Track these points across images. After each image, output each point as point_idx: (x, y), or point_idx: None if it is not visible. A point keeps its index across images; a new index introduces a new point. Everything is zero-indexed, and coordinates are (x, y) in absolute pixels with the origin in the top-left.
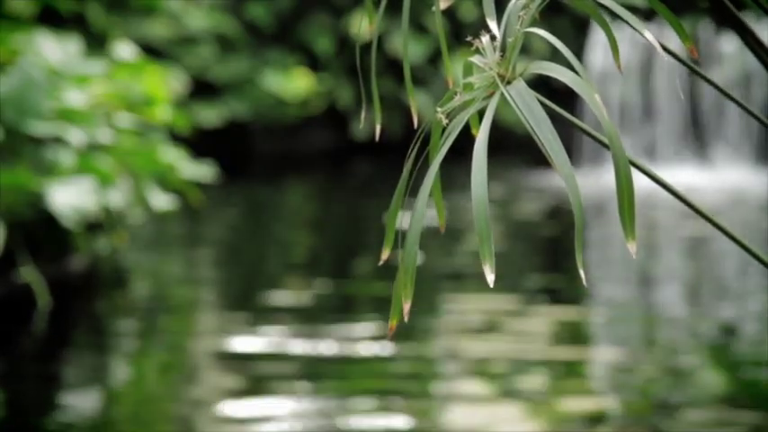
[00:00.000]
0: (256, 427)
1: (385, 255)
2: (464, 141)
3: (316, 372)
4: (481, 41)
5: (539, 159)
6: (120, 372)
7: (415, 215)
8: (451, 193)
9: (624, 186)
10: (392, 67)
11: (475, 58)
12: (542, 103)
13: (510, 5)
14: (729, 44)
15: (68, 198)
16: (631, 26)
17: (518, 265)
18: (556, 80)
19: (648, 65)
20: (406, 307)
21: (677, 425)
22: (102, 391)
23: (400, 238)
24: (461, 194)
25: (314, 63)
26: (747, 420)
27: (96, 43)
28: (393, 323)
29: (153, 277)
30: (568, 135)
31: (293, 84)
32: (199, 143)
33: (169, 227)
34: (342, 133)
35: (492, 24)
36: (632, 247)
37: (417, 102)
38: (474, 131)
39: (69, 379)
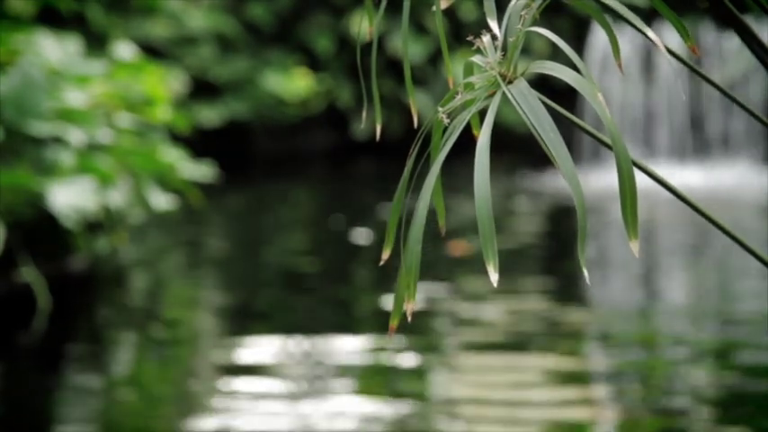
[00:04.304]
0: (255, 422)
1: (385, 255)
2: (464, 141)
3: (314, 367)
4: (482, 41)
5: (539, 159)
6: (120, 371)
7: (417, 215)
8: (451, 194)
9: (627, 186)
10: (392, 67)
11: (476, 58)
12: (543, 103)
13: (511, 5)
14: (729, 44)
15: (68, 198)
16: (633, 26)
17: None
18: (556, 80)
19: (649, 65)
20: (410, 307)
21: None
22: (102, 390)
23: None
24: (460, 195)
25: (314, 63)
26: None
27: (96, 43)
28: (394, 323)
29: (152, 277)
30: (568, 134)
31: (293, 84)
32: (199, 143)
33: (169, 227)
34: (342, 133)
35: (493, 24)
36: (635, 246)
37: (417, 102)
38: (475, 132)
39: (69, 378)
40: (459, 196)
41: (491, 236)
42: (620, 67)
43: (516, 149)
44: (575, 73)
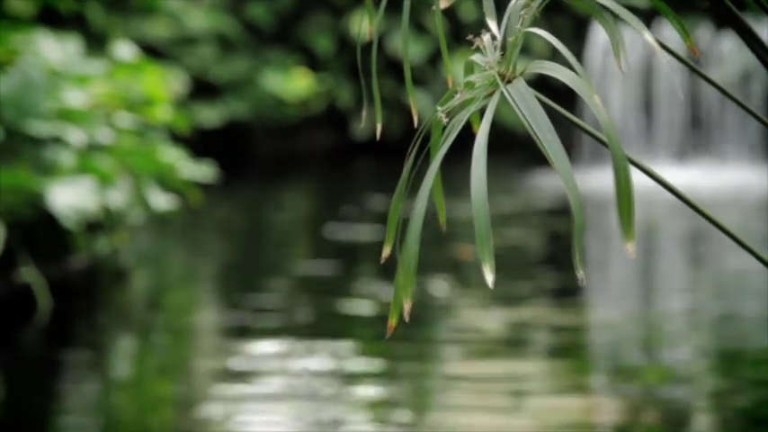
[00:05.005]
0: (254, 425)
1: (386, 252)
2: (464, 140)
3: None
4: (482, 40)
5: (538, 160)
6: (120, 371)
7: (416, 213)
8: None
9: (623, 186)
10: (392, 67)
11: (475, 57)
12: (542, 103)
13: (510, 5)
14: (729, 44)
15: (68, 198)
16: (632, 26)
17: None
18: (556, 80)
19: (649, 64)
20: (407, 307)
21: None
22: (102, 390)
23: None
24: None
25: (314, 63)
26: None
27: (96, 43)
28: (393, 322)
29: (152, 277)
30: (568, 135)
31: (293, 84)
32: (199, 143)
33: (169, 227)
34: (342, 133)
35: (492, 24)
36: (630, 247)
37: (417, 102)
38: (475, 130)
39: (70, 378)
40: (460, 198)
41: (487, 237)
42: (621, 67)
43: (516, 150)
44: (572, 73)
